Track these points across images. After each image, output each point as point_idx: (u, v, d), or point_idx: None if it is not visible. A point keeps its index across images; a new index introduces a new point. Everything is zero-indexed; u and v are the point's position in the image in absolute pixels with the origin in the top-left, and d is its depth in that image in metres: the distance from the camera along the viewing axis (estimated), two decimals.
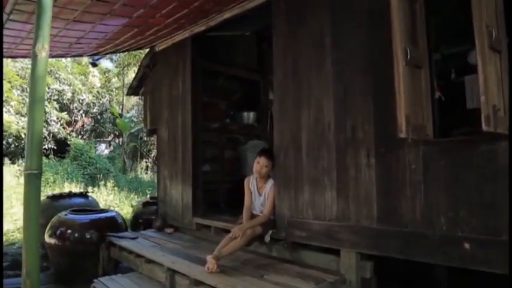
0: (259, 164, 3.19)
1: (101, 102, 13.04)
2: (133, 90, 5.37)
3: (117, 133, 14.27)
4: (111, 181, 9.25)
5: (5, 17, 2.73)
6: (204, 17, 3.49)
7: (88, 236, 4.18)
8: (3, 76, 9.61)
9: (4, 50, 3.67)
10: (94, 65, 10.04)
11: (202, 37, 4.23)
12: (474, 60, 3.36)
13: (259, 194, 3.29)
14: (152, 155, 14.76)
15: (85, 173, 10.17)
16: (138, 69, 5.20)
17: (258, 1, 3.37)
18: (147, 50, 4.90)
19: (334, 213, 2.77)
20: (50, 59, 12.13)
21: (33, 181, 1.60)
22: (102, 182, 9.21)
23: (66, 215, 4.36)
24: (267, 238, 3.15)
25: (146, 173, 13.40)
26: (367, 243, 2.57)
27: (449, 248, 2.19)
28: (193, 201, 4.12)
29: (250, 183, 3.34)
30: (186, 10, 3.03)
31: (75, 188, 8.22)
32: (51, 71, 11.68)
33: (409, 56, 2.14)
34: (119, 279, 3.37)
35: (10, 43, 3.41)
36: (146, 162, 14.33)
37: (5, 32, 3.10)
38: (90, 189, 8.11)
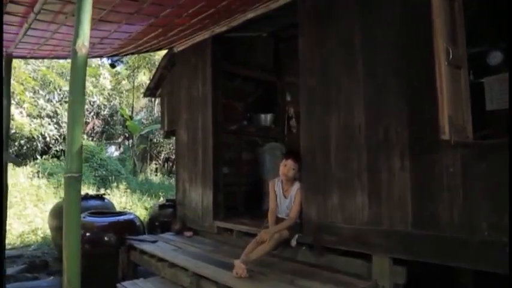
0: (286, 166, 3.12)
1: (111, 104, 13.06)
2: (150, 91, 5.33)
3: (127, 135, 14.28)
4: (124, 183, 9.21)
5: (32, 16, 2.70)
6: (227, 17, 3.44)
7: (107, 239, 4.14)
8: (17, 78, 9.63)
9: (26, 51, 3.65)
10: (113, 66, 10.01)
11: (220, 38, 4.19)
12: (494, 61, 3.32)
13: (285, 197, 3.22)
14: (162, 156, 14.76)
15: (96, 174, 10.16)
16: (156, 71, 5.16)
17: (283, 0, 3.31)
18: (160, 51, 4.86)
19: (366, 217, 2.70)
20: (62, 61, 12.17)
21: (73, 185, 1.56)
22: (115, 184, 9.20)
23: (84, 217, 4.32)
24: (294, 242, 3.09)
25: (156, 175, 13.38)
26: (402, 248, 2.50)
27: (492, 254, 2.11)
28: (214, 204, 4.06)
29: (276, 186, 3.27)
30: (213, 10, 2.98)
31: (88, 190, 8.19)
32: (62, 72, 11.72)
33: (451, 56, 2.07)
34: (141, 283, 3.31)
35: (33, 43, 3.38)
36: (156, 164, 14.32)
37: (29, 32, 3.07)
38: (103, 191, 8.09)
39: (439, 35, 2.07)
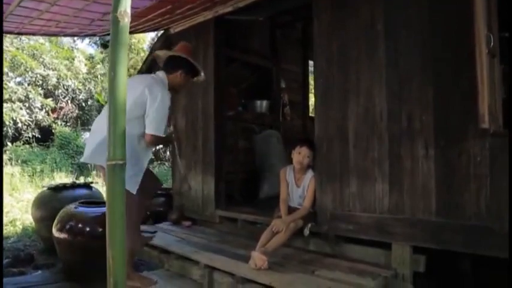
0: (301, 154, 3.04)
1: (86, 88, 12.41)
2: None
3: None
4: None
5: None
6: None
7: (100, 230, 3.90)
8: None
9: (14, 26, 3.31)
10: (106, 46, 9.42)
11: (222, 20, 4.01)
12: None
13: (297, 186, 3.14)
14: None
15: (73, 162, 9.68)
16: (149, 53, 4.89)
17: None
18: (138, 34, 4.58)
19: (386, 206, 2.67)
20: (33, 42, 11.42)
21: (118, 173, 1.37)
22: (94, 172, 8.80)
23: (75, 207, 4.05)
24: (306, 231, 3.02)
25: None
26: (424, 237, 2.49)
27: None
28: (215, 193, 3.93)
29: (287, 175, 3.18)
30: None
31: (66, 179, 7.80)
32: (34, 54, 11.00)
33: (491, 44, 2.03)
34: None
35: (24, 17, 3.04)
36: None
37: (23, 3, 2.78)
38: (82, 179, 7.72)
39: (481, 22, 2.01)
